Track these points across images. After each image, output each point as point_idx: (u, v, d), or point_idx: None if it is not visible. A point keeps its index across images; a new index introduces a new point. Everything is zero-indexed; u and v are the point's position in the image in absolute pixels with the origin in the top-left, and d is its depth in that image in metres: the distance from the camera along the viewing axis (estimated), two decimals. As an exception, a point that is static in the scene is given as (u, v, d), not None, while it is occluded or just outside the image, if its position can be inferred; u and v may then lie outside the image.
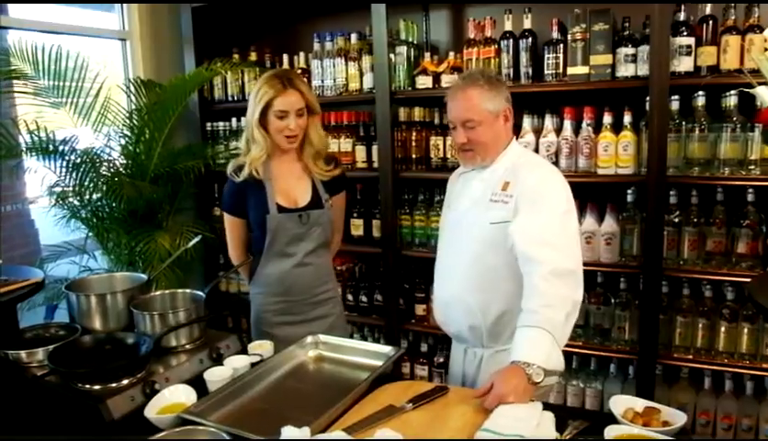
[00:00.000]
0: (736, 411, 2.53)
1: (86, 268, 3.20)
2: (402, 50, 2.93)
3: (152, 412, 1.51)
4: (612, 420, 1.39)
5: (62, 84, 3.03)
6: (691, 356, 2.57)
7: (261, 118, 2.08)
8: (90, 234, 3.19)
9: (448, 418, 1.46)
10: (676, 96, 2.46)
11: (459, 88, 1.84)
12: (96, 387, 1.59)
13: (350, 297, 3.30)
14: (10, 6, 3.38)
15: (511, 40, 2.71)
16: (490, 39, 2.75)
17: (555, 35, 2.63)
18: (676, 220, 2.52)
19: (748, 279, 2.28)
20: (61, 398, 1.60)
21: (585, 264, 2.69)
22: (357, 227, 3.21)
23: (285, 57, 3.32)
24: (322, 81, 3.17)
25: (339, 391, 1.55)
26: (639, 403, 1.44)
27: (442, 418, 1.46)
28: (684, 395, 2.62)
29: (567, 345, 2.72)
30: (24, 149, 2.84)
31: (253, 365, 1.75)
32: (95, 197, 3.10)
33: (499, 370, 1.56)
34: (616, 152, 2.56)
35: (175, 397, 1.59)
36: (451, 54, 2.90)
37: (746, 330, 2.46)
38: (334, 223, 2.31)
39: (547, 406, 1.51)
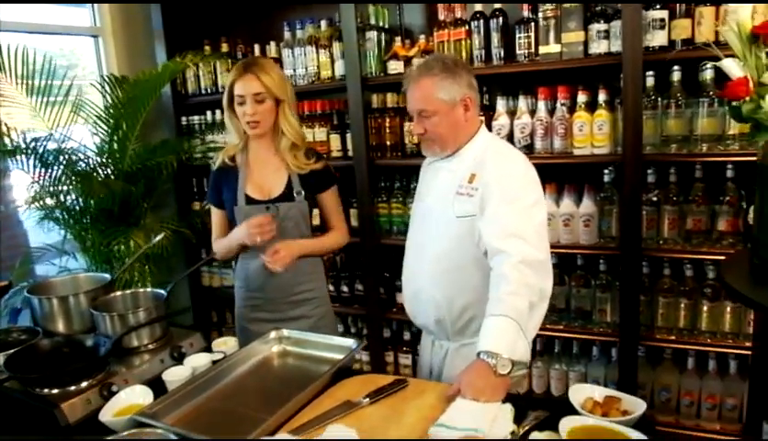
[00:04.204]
0: (720, 390, 2.49)
1: (65, 269, 3.17)
2: (372, 35, 2.86)
3: (107, 414, 1.50)
4: (573, 409, 1.35)
5: (30, 83, 2.99)
6: (674, 337, 2.53)
7: (230, 104, 2.07)
8: (68, 235, 3.16)
9: (405, 412, 1.43)
10: (651, 72, 2.39)
11: (413, 78, 1.78)
12: (55, 391, 1.58)
13: (331, 287, 3.26)
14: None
15: (481, 21, 2.64)
16: (460, 20, 2.69)
17: (526, 13, 2.56)
18: (654, 198, 2.47)
19: (728, 257, 2.22)
20: (18, 404, 1.58)
21: (564, 247, 2.69)
22: (337, 217, 3.16)
23: (256, 47, 3.25)
24: (294, 70, 3.11)
25: (300, 388, 1.51)
26: (599, 392, 1.40)
27: (398, 413, 1.43)
28: (668, 376, 2.58)
29: (549, 329, 2.76)
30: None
31: (215, 363, 1.72)
32: (69, 197, 3.06)
33: (465, 369, 1.52)
34: (592, 132, 2.50)
35: (131, 399, 1.57)
36: (422, 38, 2.84)
37: (728, 309, 2.41)
38: (329, 221, 2.25)
39: (511, 396, 1.48)
